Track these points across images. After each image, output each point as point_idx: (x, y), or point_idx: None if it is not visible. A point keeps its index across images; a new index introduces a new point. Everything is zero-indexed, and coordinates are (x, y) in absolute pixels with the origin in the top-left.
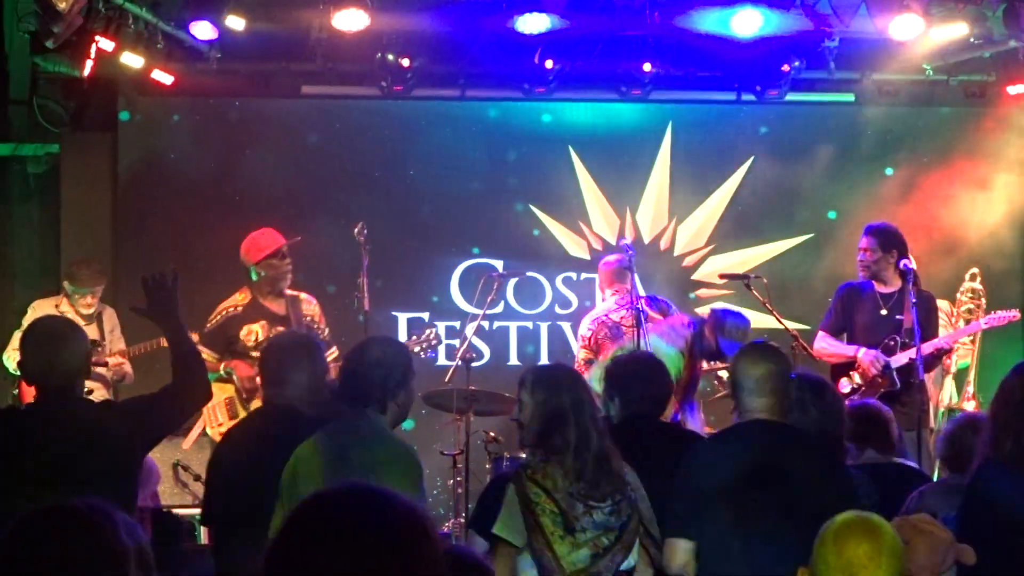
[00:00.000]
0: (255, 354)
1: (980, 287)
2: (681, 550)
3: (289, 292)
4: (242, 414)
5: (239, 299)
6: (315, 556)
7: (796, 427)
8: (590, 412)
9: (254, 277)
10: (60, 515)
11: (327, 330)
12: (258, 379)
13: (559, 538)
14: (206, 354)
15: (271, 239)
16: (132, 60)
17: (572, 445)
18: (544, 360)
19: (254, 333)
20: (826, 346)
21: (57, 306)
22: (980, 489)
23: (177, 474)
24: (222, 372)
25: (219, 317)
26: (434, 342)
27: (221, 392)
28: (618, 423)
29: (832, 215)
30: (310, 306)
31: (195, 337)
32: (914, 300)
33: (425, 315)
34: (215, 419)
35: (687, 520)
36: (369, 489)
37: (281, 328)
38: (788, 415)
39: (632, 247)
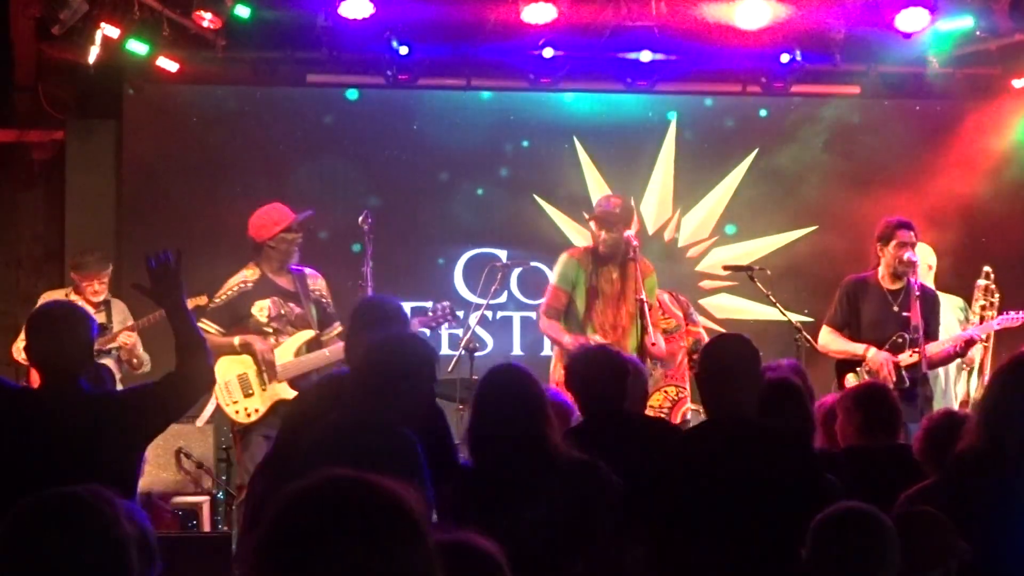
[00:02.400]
0: (268, 328)
1: (993, 285)
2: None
3: (295, 268)
4: (257, 389)
5: (248, 275)
6: (302, 553)
7: (766, 424)
8: (503, 416)
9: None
10: (62, 502)
11: (332, 304)
12: (279, 350)
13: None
14: (211, 327)
15: (282, 214)
16: (137, 47)
17: (473, 450)
18: (546, 351)
19: (265, 309)
20: (831, 342)
21: (67, 296)
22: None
23: (180, 461)
24: (236, 345)
25: (229, 293)
26: (448, 315)
27: (234, 368)
28: (584, 418)
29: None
30: (316, 281)
31: (195, 303)
32: (916, 295)
33: (428, 304)
34: (229, 396)
35: (655, 509)
36: (353, 479)
37: (292, 304)
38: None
39: (636, 238)
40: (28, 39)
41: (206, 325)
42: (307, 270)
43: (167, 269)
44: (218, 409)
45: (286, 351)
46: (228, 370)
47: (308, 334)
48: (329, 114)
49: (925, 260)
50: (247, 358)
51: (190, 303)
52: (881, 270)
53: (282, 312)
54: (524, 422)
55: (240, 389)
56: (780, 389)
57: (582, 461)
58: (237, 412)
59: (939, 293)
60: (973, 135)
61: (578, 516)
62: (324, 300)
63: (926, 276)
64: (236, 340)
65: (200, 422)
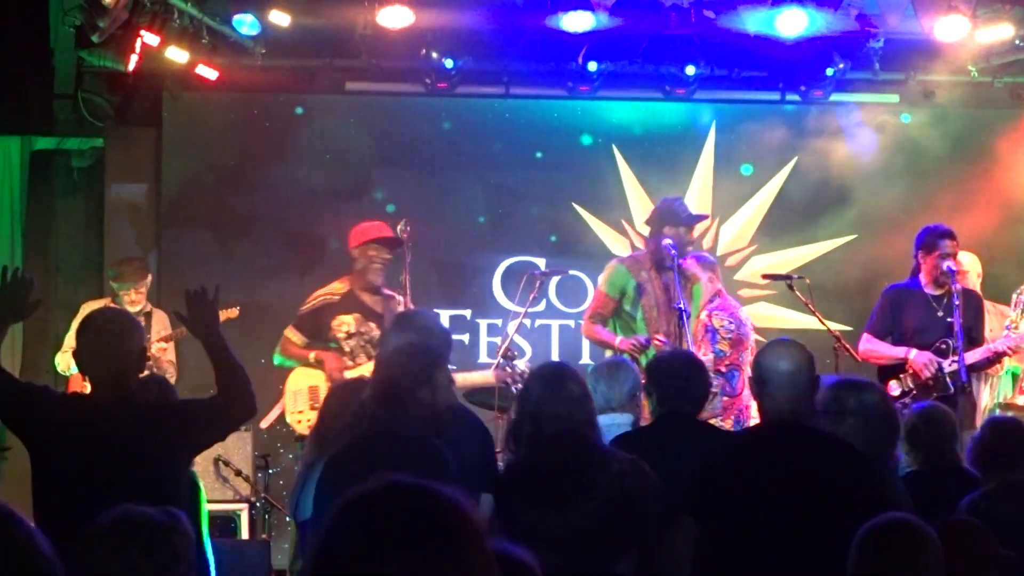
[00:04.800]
0: (347, 346)
1: None
2: (688, 525)
3: (387, 291)
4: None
5: (338, 288)
6: (361, 558)
7: (820, 429)
8: (551, 413)
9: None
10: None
11: None
12: (350, 373)
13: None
14: (295, 336)
15: (375, 228)
16: (177, 55)
17: (521, 449)
18: (585, 359)
19: (346, 324)
20: (873, 348)
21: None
22: None
23: (218, 469)
24: (311, 360)
25: (315, 302)
26: (517, 378)
27: (306, 379)
28: (654, 419)
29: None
30: (402, 308)
31: (227, 316)
32: (957, 302)
33: (467, 312)
34: (295, 404)
35: (698, 501)
36: (413, 485)
37: (373, 324)
38: (816, 419)
39: (675, 246)
40: (68, 47)
41: (290, 333)
42: (398, 296)
43: (203, 300)
44: (282, 416)
45: (357, 374)
46: (300, 380)
47: None
48: (366, 121)
49: (974, 269)
50: (321, 373)
51: (221, 316)
52: (923, 277)
53: (362, 331)
54: (571, 416)
55: (308, 400)
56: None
57: (629, 459)
58: (299, 422)
59: (985, 301)
60: (1012, 144)
61: (626, 514)
62: None
63: (975, 285)
64: (312, 355)
65: (265, 423)
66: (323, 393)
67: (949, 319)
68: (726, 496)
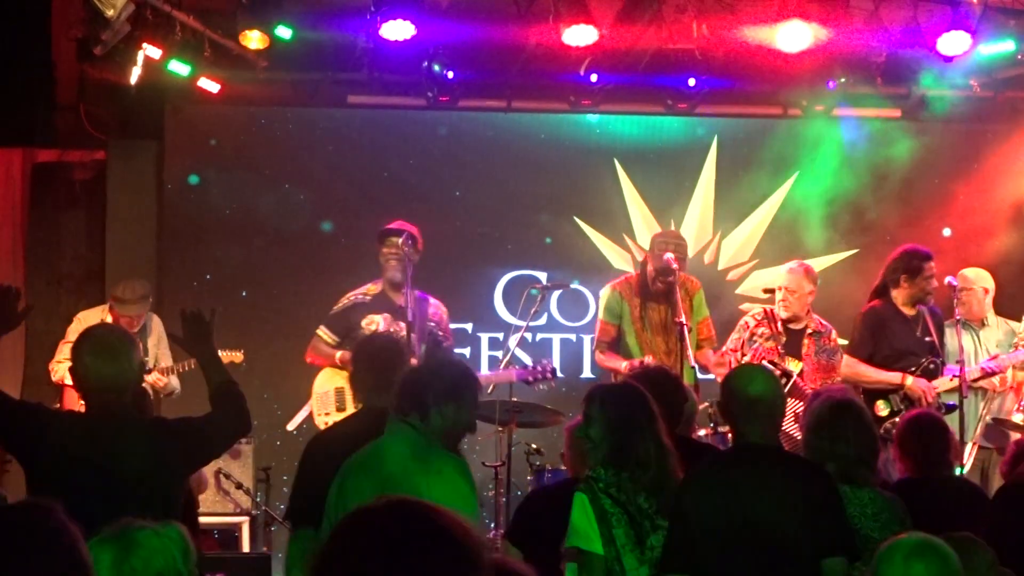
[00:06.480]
0: None
1: None
2: None
3: (421, 293)
4: (349, 407)
5: (370, 289)
6: (359, 572)
7: (788, 451)
8: (660, 428)
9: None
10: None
11: (451, 340)
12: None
13: (629, 551)
14: (326, 335)
15: (391, 224)
16: (179, 68)
17: (652, 458)
18: (587, 373)
19: (375, 323)
20: (860, 372)
21: (103, 316)
22: None
23: (219, 482)
24: (336, 361)
25: (347, 302)
26: (548, 374)
27: (334, 380)
28: None
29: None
30: (438, 311)
31: (229, 359)
32: (929, 319)
33: (468, 326)
34: (323, 407)
35: (682, 555)
36: (414, 503)
37: (403, 324)
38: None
39: (677, 260)
40: (70, 59)
41: (322, 332)
42: (432, 299)
43: (199, 320)
44: (309, 418)
45: None
46: (328, 381)
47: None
48: (368, 134)
49: (980, 284)
50: (345, 374)
51: (224, 358)
52: (899, 297)
53: (392, 330)
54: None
55: (335, 402)
56: (841, 409)
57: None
58: (326, 424)
59: (991, 314)
60: (1015, 158)
61: None
62: (440, 332)
63: (981, 301)
64: (338, 355)
65: (291, 426)
66: (347, 395)
67: (928, 338)
68: (706, 536)
